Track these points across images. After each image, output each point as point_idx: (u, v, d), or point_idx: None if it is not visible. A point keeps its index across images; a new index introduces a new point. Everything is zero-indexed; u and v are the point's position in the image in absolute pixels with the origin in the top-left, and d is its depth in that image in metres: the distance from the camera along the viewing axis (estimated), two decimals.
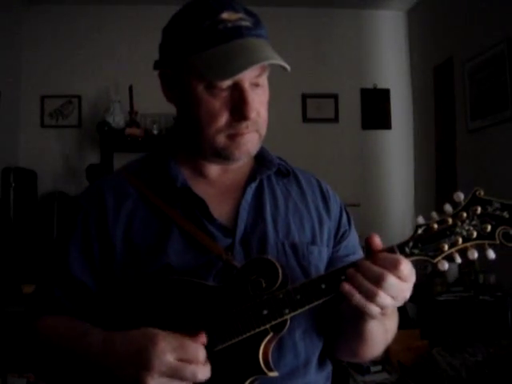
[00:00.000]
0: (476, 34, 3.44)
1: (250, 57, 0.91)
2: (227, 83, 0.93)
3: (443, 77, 3.84)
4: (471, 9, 3.51)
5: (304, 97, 4.27)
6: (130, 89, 3.89)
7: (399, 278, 0.81)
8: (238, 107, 0.93)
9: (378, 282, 0.80)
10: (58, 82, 4.11)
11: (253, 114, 0.94)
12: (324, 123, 4.31)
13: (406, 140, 4.38)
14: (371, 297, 0.81)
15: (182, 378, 0.79)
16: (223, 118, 0.95)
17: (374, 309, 0.82)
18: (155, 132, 3.91)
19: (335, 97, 4.31)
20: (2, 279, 3.26)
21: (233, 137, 0.96)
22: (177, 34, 0.97)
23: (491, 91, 3.26)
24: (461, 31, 3.63)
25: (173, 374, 0.78)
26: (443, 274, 3.22)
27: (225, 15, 0.93)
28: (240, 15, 0.94)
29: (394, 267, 0.81)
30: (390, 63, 4.39)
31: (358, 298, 0.82)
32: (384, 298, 0.81)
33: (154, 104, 3.98)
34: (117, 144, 3.85)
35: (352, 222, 1.13)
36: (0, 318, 2.81)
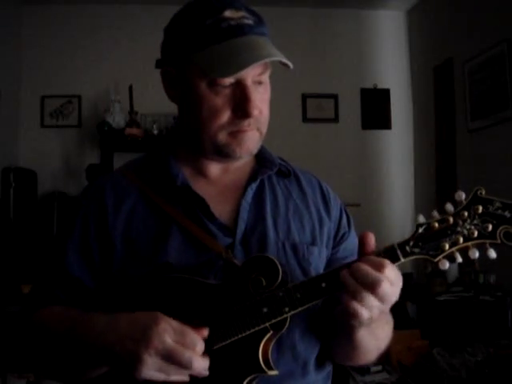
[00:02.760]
0: (476, 34, 3.44)
1: (252, 54, 0.91)
2: (230, 80, 0.93)
3: (443, 77, 3.84)
4: (471, 9, 3.51)
5: (304, 97, 4.27)
6: (130, 89, 3.89)
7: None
8: (241, 104, 0.94)
9: (373, 287, 0.81)
10: (58, 82, 4.11)
11: (255, 112, 0.95)
12: (324, 123, 4.31)
13: (406, 140, 4.38)
14: (360, 300, 0.81)
15: (177, 362, 0.79)
16: (225, 115, 0.95)
17: (362, 311, 0.82)
18: (155, 132, 3.91)
19: (335, 97, 4.31)
20: (2, 279, 3.26)
21: (234, 134, 0.96)
22: (179, 32, 0.97)
23: (491, 91, 3.26)
24: (461, 31, 3.63)
25: (169, 355, 0.79)
26: (443, 273, 3.22)
27: (227, 13, 0.93)
28: (242, 13, 0.95)
29: (378, 269, 0.81)
30: (390, 63, 4.38)
31: (349, 301, 0.82)
32: (370, 301, 0.81)
33: (154, 104, 4.00)
34: (117, 144, 3.85)
35: (352, 224, 1.13)
36: (0, 318, 2.80)
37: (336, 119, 4.33)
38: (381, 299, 0.82)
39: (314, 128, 4.28)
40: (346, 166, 4.21)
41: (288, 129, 4.10)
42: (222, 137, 0.97)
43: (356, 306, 0.82)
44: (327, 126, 4.31)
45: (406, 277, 3.30)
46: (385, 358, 2.84)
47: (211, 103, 0.94)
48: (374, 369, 2.80)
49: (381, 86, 4.36)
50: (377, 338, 0.97)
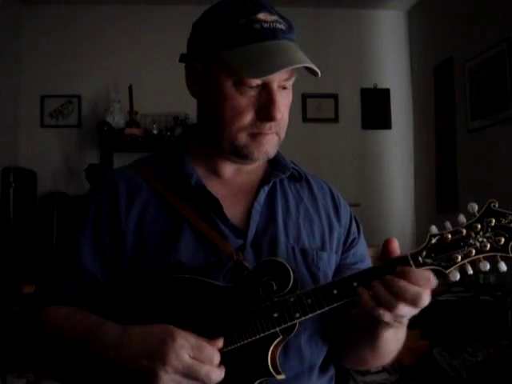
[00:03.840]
0: (476, 34, 3.43)
1: (285, 58, 0.91)
2: (257, 82, 0.93)
3: (443, 77, 3.84)
4: (471, 9, 3.51)
5: (304, 97, 4.27)
6: (130, 89, 3.88)
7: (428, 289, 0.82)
8: (265, 107, 0.94)
9: (414, 302, 0.81)
10: (58, 82, 4.11)
11: (278, 115, 0.95)
12: (324, 123, 4.31)
13: (406, 140, 4.38)
14: (397, 313, 0.82)
15: (195, 378, 0.79)
16: (248, 117, 0.95)
17: (396, 321, 0.83)
18: (155, 132, 3.91)
19: (335, 97, 4.31)
20: (2, 279, 3.26)
21: (254, 136, 0.96)
22: (209, 29, 0.97)
23: (491, 91, 3.26)
24: (461, 31, 3.63)
25: (187, 371, 0.78)
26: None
27: (261, 15, 0.94)
28: (275, 17, 0.96)
29: (427, 283, 0.82)
30: (390, 63, 4.38)
31: (381, 311, 0.82)
32: (410, 313, 0.83)
33: (154, 104, 4.01)
34: (117, 144, 3.85)
35: (361, 231, 1.13)
36: (0, 318, 2.80)
37: (336, 119, 4.33)
38: (418, 308, 0.83)
39: (314, 128, 4.28)
40: (346, 166, 4.20)
41: (288, 129, 4.08)
42: (242, 138, 0.96)
43: (390, 317, 0.82)
44: (327, 126, 4.31)
45: None
46: None
47: (235, 102, 0.94)
48: (373, 369, 2.80)
49: (381, 86, 4.36)
50: (398, 338, 0.98)
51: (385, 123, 4.37)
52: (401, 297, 0.80)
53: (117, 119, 3.91)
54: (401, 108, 4.38)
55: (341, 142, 4.27)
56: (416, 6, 4.29)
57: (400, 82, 4.38)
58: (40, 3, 4.09)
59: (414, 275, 0.82)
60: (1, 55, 3.74)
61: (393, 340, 0.96)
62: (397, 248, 0.86)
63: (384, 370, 2.82)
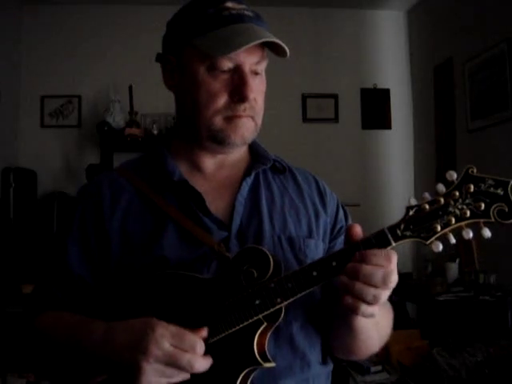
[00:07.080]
0: (476, 34, 3.43)
1: (251, 35, 0.94)
2: (228, 65, 0.96)
3: (443, 77, 3.84)
4: (471, 9, 3.51)
5: (304, 97, 4.27)
6: (130, 89, 3.88)
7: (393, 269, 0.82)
8: (238, 88, 0.96)
9: (385, 282, 0.80)
10: (58, 82, 4.11)
11: (251, 96, 0.97)
12: (324, 123, 4.31)
13: (406, 140, 4.37)
14: (367, 299, 0.81)
15: (178, 366, 0.79)
16: (222, 99, 0.97)
17: (368, 309, 0.83)
18: (155, 132, 3.91)
19: (335, 97, 4.30)
20: (2, 279, 3.26)
21: (230, 119, 0.98)
22: (181, 22, 1.02)
23: (491, 91, 3.26)
24: (461, 31, 3.63)
25: (169, 360, 0.79)
26: (443, 273, 3.22)
27: (229, 4, 0.98)
28: (243, 6, 1.00)
29: (388, 261, 0.81)
30: (390, 63, 4.38)
31: (360, 305, 0.82)
32: (384, 295, 0.82)
33: (154, 104, 4.01)
34: (117, 144, 3.85)
35: (349, 218, 1.14)
36: (0, 318, 2.80)
37: (336, 119, 4.32)
38: (388, 289, 0.82)
39: (314, 128, 4.28)
40: (346, 166, 4.20)
41: (288, 129, 4.10)
42: (218, 121, 0.98)
43: (360, 305, 0.82)
44: (327, 126, 4.31)
45: (406, 277, 3.29)
46: (385, 358, 2.84)
47: (209, 87, 0.97)
48: (373, 369, 2.80)
49: (381, 85, 4.36)
50: (379, 326, 0.98)
51: (385, 123, 4.36)
52: (368, 281, 0.80)
53: (117, 119, 3.91)
54: (401, 108, 4.37)
55: (341, 142, 4.27)
56: (416, 6, 4.29)
57: (400, 82, 4.38)
58: (40, 3, 4.09)
59: (373, 254, 0.81)
60: (1, 55, 3.74)
61: (372, 328, 0.95)
62: (360, 232, 0.86)
63: (384, 369, 2.83)
